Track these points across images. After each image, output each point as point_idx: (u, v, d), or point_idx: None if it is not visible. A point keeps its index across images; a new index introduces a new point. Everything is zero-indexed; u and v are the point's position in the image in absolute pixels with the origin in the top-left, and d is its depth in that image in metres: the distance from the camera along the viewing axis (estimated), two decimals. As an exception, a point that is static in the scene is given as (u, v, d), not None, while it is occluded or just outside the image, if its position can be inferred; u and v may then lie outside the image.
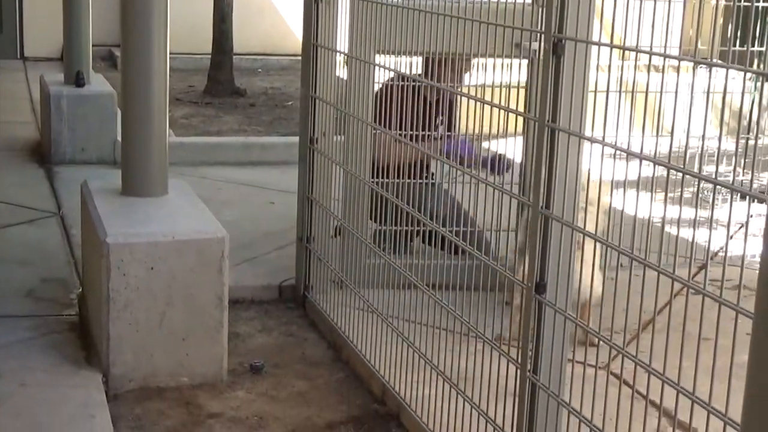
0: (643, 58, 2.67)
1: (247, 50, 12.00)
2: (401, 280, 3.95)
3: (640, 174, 2.71)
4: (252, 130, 8.75)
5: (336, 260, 4.70)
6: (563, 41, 2.77)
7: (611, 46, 2.66)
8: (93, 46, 7.91)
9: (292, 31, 13.01)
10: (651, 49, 2.55)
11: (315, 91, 4.68)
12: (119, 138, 7.23)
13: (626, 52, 2.71)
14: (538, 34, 2.91)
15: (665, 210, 2.59)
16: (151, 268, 3.84)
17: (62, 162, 7.44)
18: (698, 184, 2.53)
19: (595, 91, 2.81)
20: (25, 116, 9.25)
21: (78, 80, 7.60)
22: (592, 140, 2.76)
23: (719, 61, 2.45)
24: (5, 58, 12.62)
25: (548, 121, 2.83)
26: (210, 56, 10.51)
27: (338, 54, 4.61)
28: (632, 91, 2.96)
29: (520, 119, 3.36)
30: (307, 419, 3.75)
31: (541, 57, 2.86)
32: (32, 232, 5.79)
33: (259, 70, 12.41)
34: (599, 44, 2.76)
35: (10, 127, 8.74)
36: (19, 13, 12.76)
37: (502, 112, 3.35)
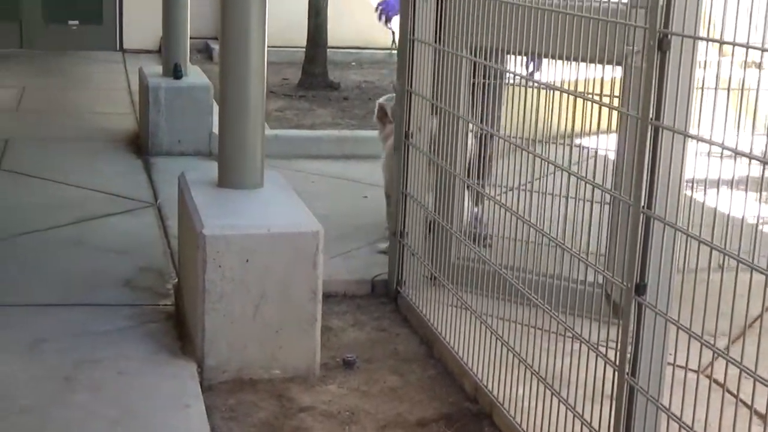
0: (749, 54, 2.60)
1: (341, 44, 12.03)
2: (495, 281, 3.92)
3: (749, 174, 2.63)
4: (345, 124, 8.76)
5: (429, 256, 4.68)
6: (669, 36, 2.70)
7: (720, 42, 2.58)
8: (190, 38, 8.00)
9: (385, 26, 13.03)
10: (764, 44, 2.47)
11: (411, 86, 4.66)
12: (215, 130, 7.31)
13: (724, 48, 2.64)
14: (634, 34, 2.86)
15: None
16: (247, 260, 3.86)
17: (159, 153, 7.53)
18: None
19: (702, 88, 2.74)
20: (123, 107, 9.39)
21: (176, 72, 7.69)
22: (698, 139, 2.69)
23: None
24: (105, 50, 12.85)
25: (652, 118, 2.77)
26: (304, 49, 10.57)
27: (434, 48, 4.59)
28: (740, 89, 2.88)
29: (613, 115, 3.31)
30: (398, 415, 3.74)
31: (645, 53, 2.80)
32: (130, 222, 5.87)
33: (353, 63, 12.43)
34: (707, 39, 2.69)
35: (109, 118, 8.89)
36: (119, 6, 12.97)
37: (596, 107, 3.31)
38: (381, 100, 5.94)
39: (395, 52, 7.28)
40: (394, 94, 6.16)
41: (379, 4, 5.91)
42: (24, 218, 5.76)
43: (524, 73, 4.13)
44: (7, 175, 6.77)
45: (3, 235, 5.44)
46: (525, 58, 4.36)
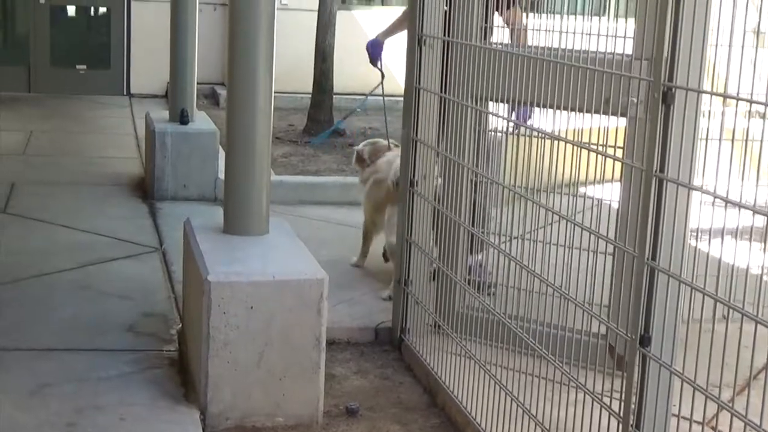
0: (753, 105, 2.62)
1: (346, 90, 12.09)
2: (498, 330, 3.92)
3: (753, 224, 2.64)
4: (350, 170, 8.76)
5: (433, 304, 4.68)
6: (673, 90, 2.73)
7: (724, 96, 2.61)
8: (197, 83, 8.05)
9: (391, 73, 13.08)
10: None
11: (416, 134, 4.69)
12: (220, 176, 7.35)
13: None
14: (638, 85, 2.88)
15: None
16: (251, 307, 3.86)
17: (164, 198, 7.56)
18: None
19: (707, 139, 2.76)
20: (130, 152, 9.44)
21: (182, 118, 7.73)
22: (702, 191, 2.70)
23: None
24: (112, 94, 12.94)
25: (656, 171, 2.78)
26: (310, 96, 10.63)
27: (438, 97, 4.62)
28: (743, 139, 2.90)
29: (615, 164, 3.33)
30: (401, 464, 3.73)
31: (649, 106, 2.82)
32: (134, 267, 5.87)
33: (359, 110, 12.47)
34: (712, 93, 2.72)
35: (115, 162, 8.93)
36: (126, 51, 13.06)
37: (599, 157, 3.33)
38: (358, 146, 6.32)
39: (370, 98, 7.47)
40: (372, 140, 6.33)
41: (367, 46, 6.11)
42: (29, 262, 5.76)
43: (511, 119, 4.16)
44: (12, 218, 6.79)
45: (8, 279, 5.45)
46: (509, 107, 4.41)
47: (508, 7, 4.89)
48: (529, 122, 4.39)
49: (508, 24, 5.12)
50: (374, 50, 6.16)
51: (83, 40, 13.40)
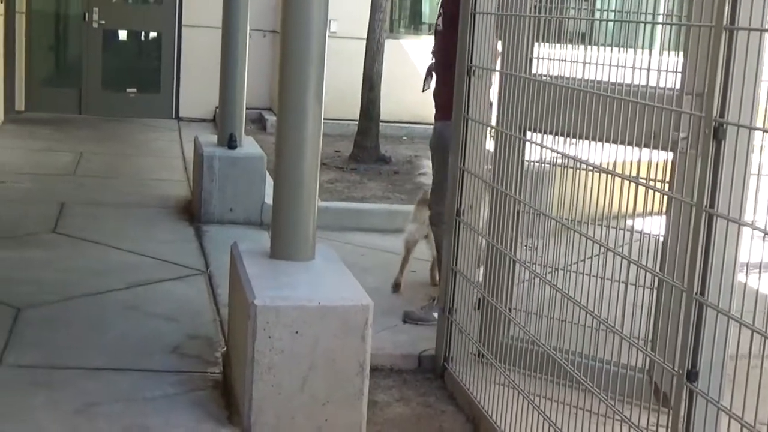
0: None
1: (393, 118, 12.14)
2: (543, 362, 3.91)
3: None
4: (395, 198, 8.80)
5: (477, 332, 4.67)
6: (725, 126, 2.72)
7: (776, 132, 2.60)
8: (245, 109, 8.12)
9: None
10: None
11: (464, 164, 4.70)
12: (267, 200, 7.40)
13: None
14: (688, 120, 2.88)
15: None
16: (296, 332, 3.87)
17: (211, 221, 7.60)
18: None
19: (757, 175, 2.75)
20: (177, 175, 9.53)
21: (230, 142, 7.79)
22: (753, 227, 2.69)
23: None
24: (161, 118, 13.06)
25: (706, 206, 2.77)
26: (357, 123, 10.67)
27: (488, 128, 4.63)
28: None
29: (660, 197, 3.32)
30: (442, 494, 3.72)
31: (701, 141, 2.81)
32: (180, 289, 5.91)
33: (404, 138, 12.54)
34: (764, 130, 2.71)
35: (163, 184, 9.01)
36: (176, 75, 13.19)
37: (641, 190, 3.33)
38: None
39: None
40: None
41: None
42: (78, 281, 5.82)
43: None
44: (63, 238, 6.87)
45: (58, 298, 5.50)
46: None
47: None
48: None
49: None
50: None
51: (134, 64, 13.56)
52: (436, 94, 5.62)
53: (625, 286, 3.62)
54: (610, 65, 3.90)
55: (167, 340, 4.96)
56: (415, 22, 14.57)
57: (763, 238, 2.67)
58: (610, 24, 4.23)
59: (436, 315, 5.20)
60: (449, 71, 5.15)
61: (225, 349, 4.78)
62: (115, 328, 5.10)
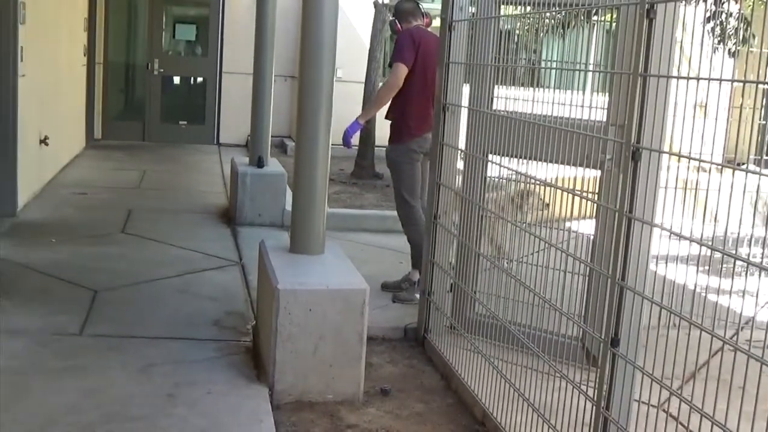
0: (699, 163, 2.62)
1: (385, 143, 12.08)
2: (501, 332, 3.90)
3: (702, 254, 2.63)
4: (387, 206, 8.78)
5: (450, 310, 4.67)
6: (640, 150, 2.73)
7: (679, 155, 2.61)
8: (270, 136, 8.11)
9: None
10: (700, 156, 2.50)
11: (440, 179, 4.70)
12: (287, 207, 7.39)
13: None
14: (612, 146, 2.87)
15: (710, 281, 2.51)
16: (310, 309, 3.87)
17: (244, 224, 7.59)
18: (734, 263, 2.46)
19: (666, 187, 2.75)
20: (218, 188, 9.51)
21: (259, 163, 7.78)
22: (661, 227, 2.69)
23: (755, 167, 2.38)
24: (206, 143, 13.04)
25: (626, 211, 2.78)
26: (357, 147, 10.66)
27: (458, 151, 4.63)
28: (695, 188, 2.89)
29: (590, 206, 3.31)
30: (423, 434, 3.71)
31: (621, 162, 2.82)
32: (220, 276, 5.90)
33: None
34: (669, 153, 2.71)
35: (206, 195, 9.00)
36: (217, 111, 13.18)
37: (575, 199, 3.33)
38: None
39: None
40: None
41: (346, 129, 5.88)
42: (143, 270, 5.82)
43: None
44: (130, 237, 6.86)
45: (126, 283, 5.49)
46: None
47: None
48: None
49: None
50: (351, 130, 5.94)
51: (185, 102, 13.52)
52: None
53: (563, 274, 3.63)
54: (552, 103, 3.91)
55: (209, 316, 4.95)
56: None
57: (669, 236, 2.68)
58: (553, 71, 4.24)
59: (417, 296, 5.20)
60: (393, 103, 5.24)
61: (254, 322, 4.78)
62: (170, 306, 5.10)
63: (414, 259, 5.55)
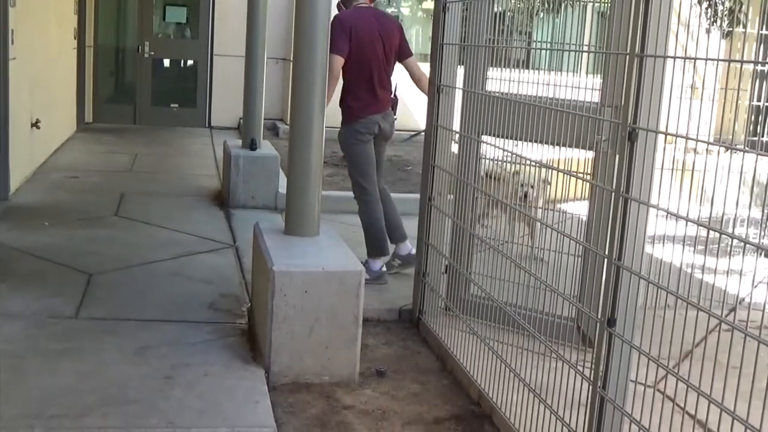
0: (691, 143, 2.62)
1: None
2: (496, 313, 3.91)
3: (698, 234, 2.64)
4: (379, 188, 8.76)
5: (444, 291, 4.67)
6: (637, 130, 2.72)
7: (676, 135, 2.60)
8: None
9: (411, 113, 13.08)
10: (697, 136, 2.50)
11: (434, 161, 4.69)
12: (280, 190, 7.38)
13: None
14: (608, 126, 2.87)
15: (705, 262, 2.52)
16: (305, 291, 3.87)
17: (237, 206, 7.57)
18: (731, 243, 2.47)
19: (662, 168, 2.75)
20: (210, 170, 9.48)
21: (252, 145, 7.75)
22: (657, 207, 2.70)
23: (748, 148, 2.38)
24: (197, 127, 12.98)
25: (623, 191, 2.78)
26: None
27: (452, 133, 4.62)
28: (691, 169, 2.89)
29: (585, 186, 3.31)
30: (418, 415, 3.72)
31: (618, 142, 2.82)
32: (214, 259, 5.89)
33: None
34: (665, 133, 2.71)
35: (199, 178, 8.97)
36: (208, 93, 13.12)
37: (568, 179, 3.33)
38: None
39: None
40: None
41: None
42: (136, 253, 5.80)
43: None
44: (123, 220, 6.83)
45: (120, 266, 5.48)
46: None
47: (407, 57, 5.14)
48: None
49: (410, 71, 5.38)
50: None
51: (176, 85, 13.44)
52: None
53: (555, 255, 3.63)
54: (545, 84, 3.91)
55: (204, 298, 4.94)
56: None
57: (665, 216, 2.68)
58: (546, 52, 4.23)
59: (387, 279, 5.25)
60: (342, 88, 5.25)
61: (249, 305, 4.78)
62: (164, 289, 5.08)
63: (367, 246, 5.53)
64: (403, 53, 5.64)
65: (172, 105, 13.16)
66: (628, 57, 2.76)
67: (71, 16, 10.89)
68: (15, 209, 6.83)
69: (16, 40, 7.09)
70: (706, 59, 2.58)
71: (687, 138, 2.57)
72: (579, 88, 3.74)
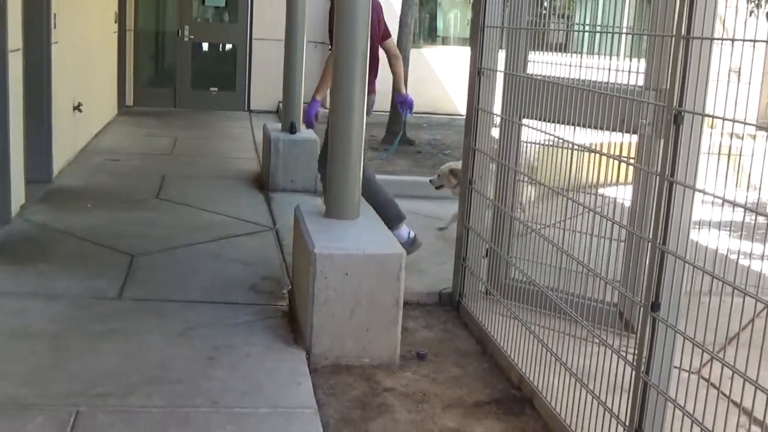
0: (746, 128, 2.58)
1: (416, 109, 11.99)
2: (537, 297, 3.90)
3: (744, 220, 2.60)
4: (418, 171, 8.78)
5: (485, 275, 4.67)
6: (683, 113, 2.69)
7: (723, 118, 2.57)
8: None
9: (450, 97, 13.05)
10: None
11: (475, 144, 4.68)
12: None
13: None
14: (653, 110, 2.84)
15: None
16: (346, 274, 3.89)
17: (276, 189, 7.61)
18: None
19: (708, 152, 2.72)
20: (250, 154, 9.54)
21: (291, 128, 7.78)
22: (703, 192, 2.67)
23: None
24: (236, 110, 13.05)
25: (668, 175, 2.75)
26: (388, 113, 10.63)
27: (493, 116, 4.60)
28: (738, 154, 2.86)
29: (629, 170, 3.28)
30: (459, 398, 3.73)
31: (664, 125, 2.79)
32: (255, 242, 5.94)
33: (425, 125, 12.46)
34: (712, 116, 2.68)
35: (239, 162, 9.03)
36: (248, 77, 13.17)
37: (611, 164, 3.30)
38: (443, 169, 6.48)
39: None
40: (448, 164, 6.31)
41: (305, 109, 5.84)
42: (177, 235, 5.87)
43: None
44: (164, 203, 6.91)
45: (162, 248, 5.55)
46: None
47: (386, 39, 5.11)
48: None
49: (387, 51, 5.36)
50: (310, 110, 5.85)
51: (215, 69, 13.53)
52: None
53: (597, 239, 3.60)
54: (587, 67, 3.87)
55: (245, 280, 4.99)
56: (432, 36, 14.43)
57: (711, 201, 2.65)
58: (588, 35, 4.18)
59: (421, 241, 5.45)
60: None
61: (290, 287, 4.82)
62: (206, 271, 5.14)
63: (384, 220, 5.40)
64: (384, 35, 5.68)
65: (211, 89, 13.24)
66: (674, 39, 2.73)
67: (112, 0, 11.00)
68: (58, 192, 6.94)
69: (59, 24, 7.19)
70: (755, 41, 2.54)
71: (734, 121, 2.53)
72: (621, 71, 3.70)
